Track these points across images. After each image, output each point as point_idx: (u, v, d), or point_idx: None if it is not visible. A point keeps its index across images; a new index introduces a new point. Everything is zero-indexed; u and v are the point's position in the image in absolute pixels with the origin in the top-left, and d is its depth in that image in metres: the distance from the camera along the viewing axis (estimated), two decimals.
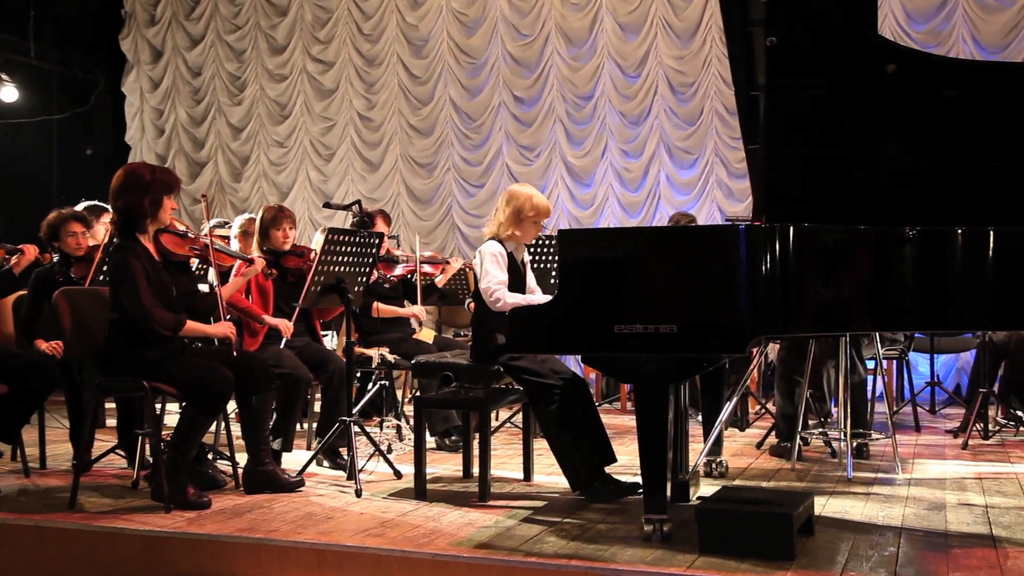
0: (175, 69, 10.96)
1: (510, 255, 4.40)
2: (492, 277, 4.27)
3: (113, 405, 5.36)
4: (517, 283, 4.40)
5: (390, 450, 5.33)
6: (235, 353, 4.33)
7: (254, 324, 5.07)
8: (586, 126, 9.40)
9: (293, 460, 5.05)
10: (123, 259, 4.09)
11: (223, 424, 4.97)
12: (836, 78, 3.75)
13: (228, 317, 5.09)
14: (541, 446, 5.02)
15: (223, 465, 4.76)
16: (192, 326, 4.21)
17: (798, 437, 5.06)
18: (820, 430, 5.41)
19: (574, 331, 3.58)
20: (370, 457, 4.95)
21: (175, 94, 10.98)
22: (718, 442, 4.71)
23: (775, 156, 3.72)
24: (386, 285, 5.82)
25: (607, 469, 4.31)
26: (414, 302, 6.16)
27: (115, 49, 11.11)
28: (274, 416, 4.92)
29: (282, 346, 5.04)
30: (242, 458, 4.52)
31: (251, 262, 4.84)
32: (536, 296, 4.46)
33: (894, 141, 3.82)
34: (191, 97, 10.95)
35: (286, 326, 5.01)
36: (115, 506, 4.12)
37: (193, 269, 5.29)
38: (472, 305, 4.53)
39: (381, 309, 5.82)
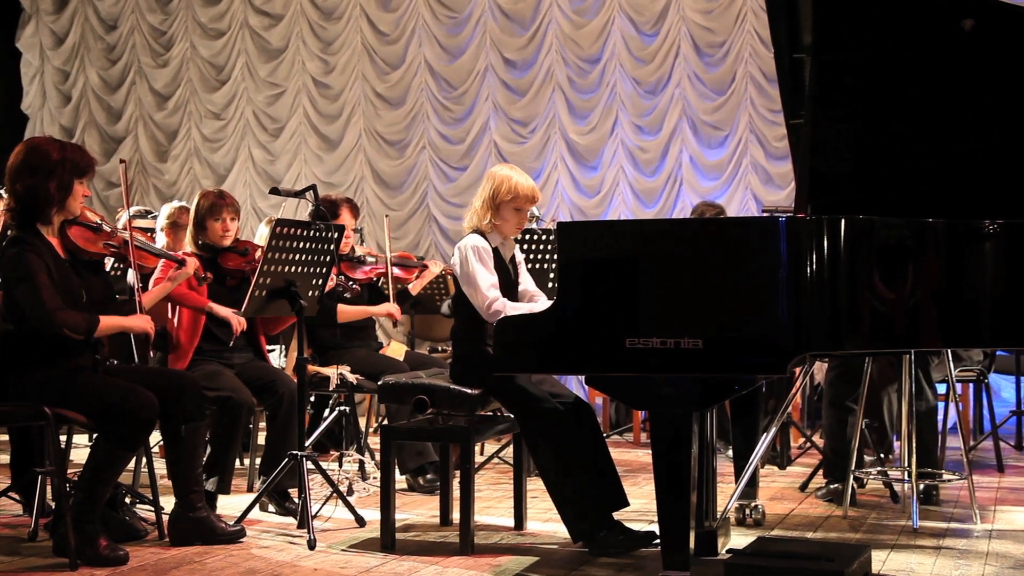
0: (84, 21, 10.95)
1: (495, 251, 4.41)
2: (485, 279, 4.28)
3: (5, 437, 5.34)
4: (505, 286, 4.41)
5: (351, 491, 5.34)
6: (152, 351, 4.31)
7: (180, 337, 5.06)
8: (592, 96, 9.44)
9: (231, 504, 5.06)
10: (20, 254, 4.09)
11: (144, 460, 4.97)
12: (899, 37, 3.78)
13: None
14: (536, 486, 5.03)
15: (144, 511, 4.76)
16: (108, 322, 4.23)
17: (851, 477, 5.09)
18: (879, 469, 5.43)
19: (576, 346, 3.60)
20: (326, 500, 4.96)
21: (84, 52, 10.97)
22: (753, 483, 4.73)
23: (823, 133, 3.75)
24: (347, 295, 5.82)
25: (616, 515, 4.32)
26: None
27: None
28: (208, 450, 4.93)
29: (231, 344, 5.03)
30: (168, 502, 4.52)
31: (181, 263, 4.85)
32: (540, 303, 4.46)
33: (970, 115, 3.85)
34: (104, 56, 10.95)
35: (239, 320, 5.00)
36: (8, 563, 4.11)
37: (108, 270, 5.29)
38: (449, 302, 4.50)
39: (347, 312, 5.83)
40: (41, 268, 4.09)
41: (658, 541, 3.71)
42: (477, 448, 6.10)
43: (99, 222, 4.42)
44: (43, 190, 4.15)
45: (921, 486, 5.13)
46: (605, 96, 9.38)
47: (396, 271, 6.27)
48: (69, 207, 4.24)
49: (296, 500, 4.86)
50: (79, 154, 4.26)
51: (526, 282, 4.61)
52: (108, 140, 10.94)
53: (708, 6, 9.13)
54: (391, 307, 6.05)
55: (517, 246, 4.71)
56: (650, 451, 3.65)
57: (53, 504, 4.47)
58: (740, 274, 3.50)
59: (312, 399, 6.29)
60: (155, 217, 6.47)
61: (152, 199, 10.43)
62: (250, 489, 5.61)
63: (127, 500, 4.73)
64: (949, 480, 5.35)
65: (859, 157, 3.93)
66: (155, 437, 5.00)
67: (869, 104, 3.87)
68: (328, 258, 4.91)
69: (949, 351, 5.29)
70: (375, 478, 5.61)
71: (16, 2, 11.09)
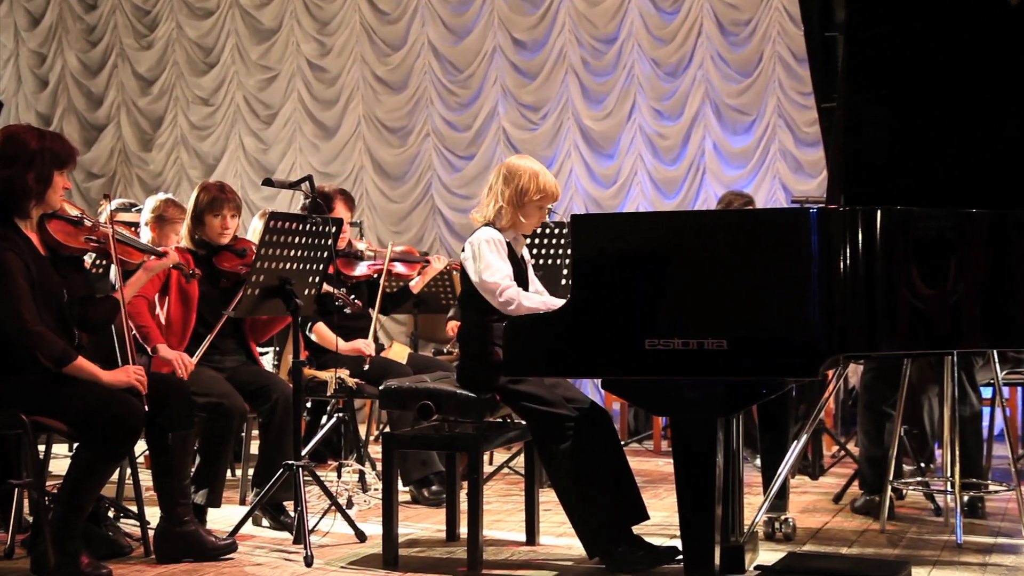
0: (61, 0, 10.98)
1: (508, 246, 4.42)
2: (498, 270, 4.27)
3: None
4: (519, 283, 4.41)
5: (350, 504, 5.34)
6: (147, 408, 4.24)
7: (154, 340, 5.02)
8: (608, 78, 9.43)
9: (222, 518, 5.07)
10: None
11: (128, 471, 4.98)
12: (939, 12, 3.77)
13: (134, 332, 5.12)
14: (549, 498, 5.03)
15: (128, 525, 4.77)
16: (84, 366, 4.14)
17: (889, 488, 5.08)
18: (919, 479, 5.42)
19: (591, 347, 3.60)
20: (324, 513, 4.96)
21: (62, 34, 11.00)
22: (783, 494, 4.72)
23: (857, 117, 3.74)
24: (347, 310, 5.80)
25: (636, 529, 4.32)
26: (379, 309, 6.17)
27: None
28: (197, 460, 4.93)
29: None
30: (154, 515, 4.53)
31: (163, 256, 4.82)
32: (551, 299, 4.46)
33: (1016, 96, 3.84)
34: (84, 38, 10.97)
35: (181, 363, 4.97)
36: None
37: (89, 267, 5.29)
38: (453, 328, 4.51)
39: (321, 334, 5.79)
40: (20, 270, 4.08)
41: (681, 557, 3.71)
42: (486, 457, 6.10)
43: (80, 215, 4.42)
44: (21, 182, 4.15)
45: (965, 498, 5.12)
46: (622, 79, 9.37)
47: (398, 267, 6.26)
48: (48, 200, 4.24)
49: (292, 513, 4.86)
50: (59, 143, 4.26)
51: (533, 280, 4.62)
52: (88, 128, 10.96)
53: None
54: (361, 344, 5.91)
55: (525, 242, 4.72)
56: (671, 460, 3.65)
57: (31, 519, 4.48)
58: (768, 270, 3.49)
59: (308, 405, 6.30)
60: (139, 210, 6.46)
61: (136, 191, 10.45)
62: (242, 502, 5.62)
63: (110, 514, 4.74)
64: (996, 491, 5.34)
65: (896, 143, 3.93)
66: (140, 446, 5.00)
67: (907, 86, 3.86)
68: (325, 254, 4.91)
69: (995, 352, 5.28)
70: (376, 490, 5.61)
71: None
